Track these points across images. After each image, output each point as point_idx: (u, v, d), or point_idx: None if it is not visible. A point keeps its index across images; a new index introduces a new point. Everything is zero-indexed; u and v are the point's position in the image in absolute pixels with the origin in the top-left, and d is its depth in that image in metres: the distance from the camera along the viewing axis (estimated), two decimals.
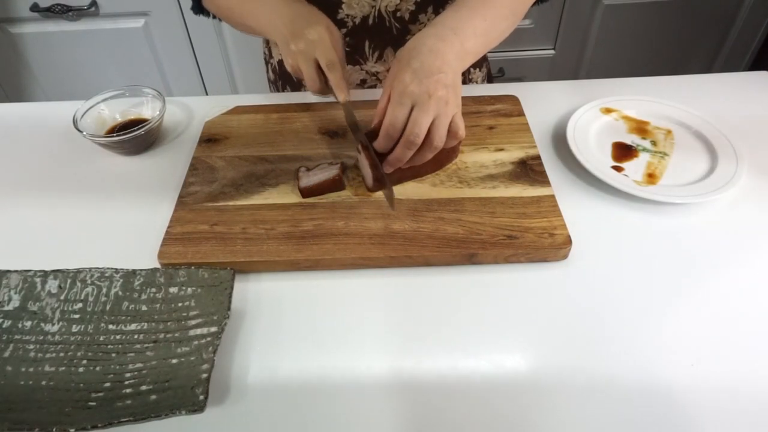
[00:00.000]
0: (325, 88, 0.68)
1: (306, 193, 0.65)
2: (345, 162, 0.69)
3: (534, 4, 0.72)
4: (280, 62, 0.90)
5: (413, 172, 0.65)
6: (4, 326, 0.54)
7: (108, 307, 0.55)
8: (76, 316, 0.54)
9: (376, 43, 0.81)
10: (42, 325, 0.54)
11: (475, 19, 0.61)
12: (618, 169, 0.68)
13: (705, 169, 0.68)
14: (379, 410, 0.48)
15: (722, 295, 0.56)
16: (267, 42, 0.94)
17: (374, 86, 0.87)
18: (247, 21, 0.73)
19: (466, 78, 0.91)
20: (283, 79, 0.92)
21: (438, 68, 0.56)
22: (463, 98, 0.77)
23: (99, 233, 0.65)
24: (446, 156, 0.67)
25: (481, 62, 0.94)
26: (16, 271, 0.57)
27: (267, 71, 0.98)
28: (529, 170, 0.67)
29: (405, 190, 0.65)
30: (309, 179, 0.65)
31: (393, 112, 0.57)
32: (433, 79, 0.55)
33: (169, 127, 0.80)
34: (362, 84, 0.86)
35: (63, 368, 0.51)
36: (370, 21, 0.78)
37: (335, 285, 0.58)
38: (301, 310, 0.56)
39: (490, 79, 1.00)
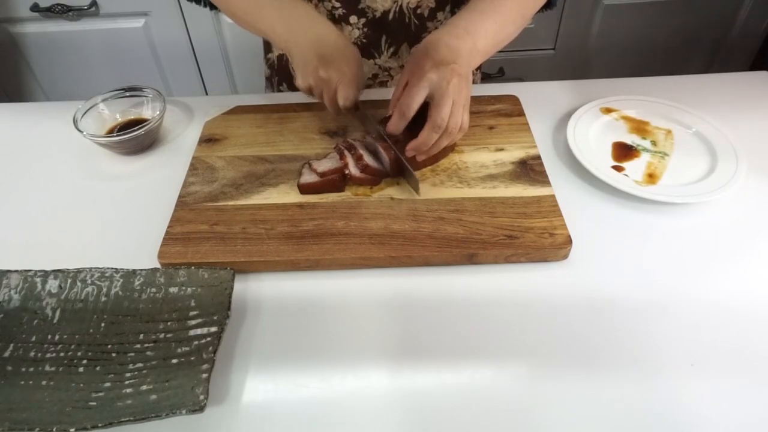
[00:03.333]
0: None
1: (304, 189, 0.65)
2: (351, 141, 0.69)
3: (540, 10, 0.73)
4: (279, 57, 0.90)
5: (412, 165, 0.65)
6: (4, 326, 0.54)
7: (108, 307, 0.55)
8: (77, 316, 0.54)
9: (393, 38, 0.82)
10: (42, 325, 0.54)
11: (486, 22, 0.63)
12: (618, 169, 0.68)
13: (705, 169, 0.68)
14: (378, 409, 0.48)
15: (722, 294, 0.56)
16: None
17: (385, 82, 0.87)
18: (259, 25, 0.70)
19: None
20: (279, 75, 0.92)
21: (453, 60, 0.60)
22: None
23: (99, 233, 0.65)
24: (443, 150, 0.67)
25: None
26: (16, 271, 0.57)
27: (264, 67, 0.97)
28: (530, 170, 0.67)
29: (405, 190, 0.65)
30: (310, 176, 0.65)
31: (410, 92, 0.60)
32: (449, 68, 0.59)
33: (169, 127, 0.80)
34: (374, 78, 0.87)
35: (63, 368, 0.51)
36: (391, 16, 0.79)
37: (335, 285, 0.58)
38: (301, 310, 0.56)
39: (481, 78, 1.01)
